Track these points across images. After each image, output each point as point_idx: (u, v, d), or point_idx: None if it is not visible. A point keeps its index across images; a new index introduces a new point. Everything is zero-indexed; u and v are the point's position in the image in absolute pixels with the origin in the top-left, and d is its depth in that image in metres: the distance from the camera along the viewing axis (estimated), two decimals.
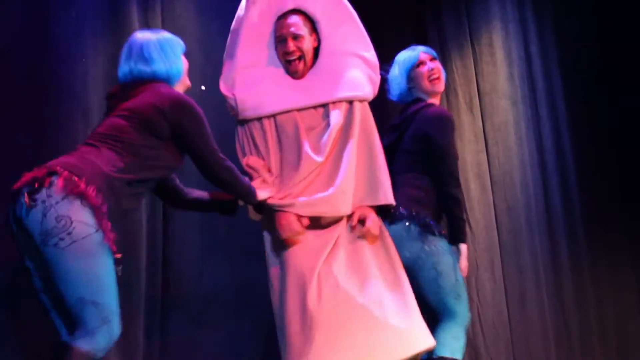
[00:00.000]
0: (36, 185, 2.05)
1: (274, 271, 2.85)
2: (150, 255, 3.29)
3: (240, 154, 2.92)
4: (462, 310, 3.02)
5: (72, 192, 2.05)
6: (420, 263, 2.98)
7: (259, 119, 2.89)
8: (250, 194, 2.68)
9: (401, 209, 3.03)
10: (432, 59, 3.26)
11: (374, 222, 2.85)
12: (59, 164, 2.13)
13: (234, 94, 2.91)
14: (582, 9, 5.48)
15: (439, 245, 3.01)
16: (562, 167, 5.28)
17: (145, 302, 3.22)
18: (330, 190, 2.83)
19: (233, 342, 3.42)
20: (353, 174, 2.88)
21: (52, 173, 2.07)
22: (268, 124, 2.90)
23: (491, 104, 4.89)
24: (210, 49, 3.63)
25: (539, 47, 5.28)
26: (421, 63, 3.21)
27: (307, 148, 2.86)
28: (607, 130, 5.50)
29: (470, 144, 4.78)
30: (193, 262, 3.51)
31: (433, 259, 2.98)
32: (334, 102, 2.92)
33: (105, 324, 2.08)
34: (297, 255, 2.79)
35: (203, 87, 3.52)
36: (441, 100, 4.40)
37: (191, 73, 3.37)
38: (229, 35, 3.02)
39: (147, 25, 3.36)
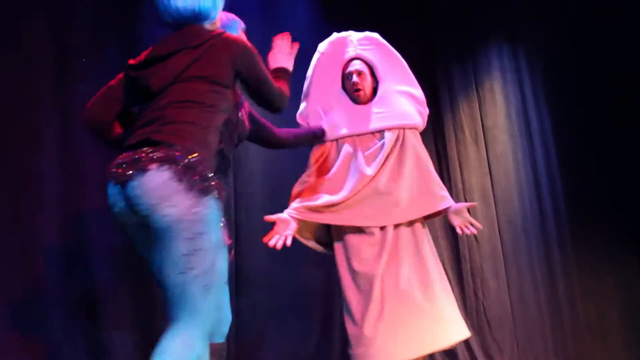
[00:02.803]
0: None
1: (343, 274, 3.09)
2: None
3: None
4: None
5: None
6: None
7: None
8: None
9: None
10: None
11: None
12: None
13: (307, 123, 3.28)
14: (564, 58, 6.05)
15: None
16: (553, 186, 5.71)
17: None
18: (388, 205, 3.06)
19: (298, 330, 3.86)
20: (407, 191, 3.09)
21: None
22: (329, 145, 3.25)
23: (493, 137, 5.44)
24: None
25: (531, 90, 5.81)
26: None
27: (362, 166, 3.09)
28: (589, 156, 5.94)
29: (476, 170, 5.30)
30: (261, 264, 3.83)
31: None
32: (389, 129, 3.19)
33: None
34: (359, 264, 3.05)
35: None
36: (449, 135, 5.19)
37: None
38: (305, 80, 3.35)
39: None
